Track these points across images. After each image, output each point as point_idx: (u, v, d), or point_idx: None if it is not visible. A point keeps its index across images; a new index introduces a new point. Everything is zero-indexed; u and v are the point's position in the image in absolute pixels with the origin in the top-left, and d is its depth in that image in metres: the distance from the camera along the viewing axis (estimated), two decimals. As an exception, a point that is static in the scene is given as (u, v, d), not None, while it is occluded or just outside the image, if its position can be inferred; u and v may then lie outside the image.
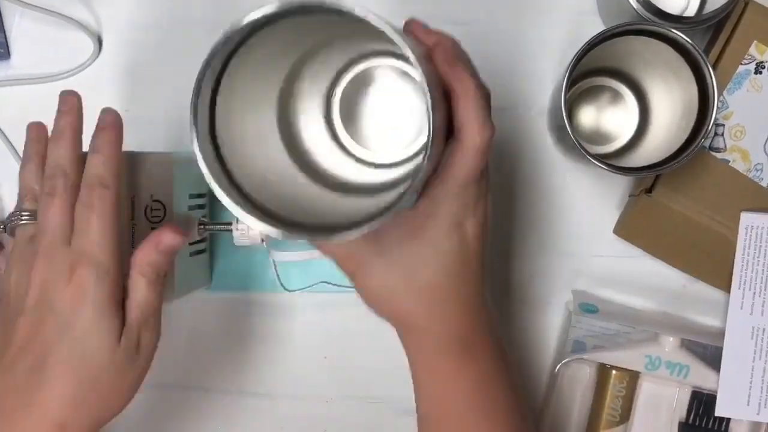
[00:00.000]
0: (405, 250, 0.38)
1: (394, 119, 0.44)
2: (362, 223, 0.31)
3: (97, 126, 0.42)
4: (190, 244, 0.53)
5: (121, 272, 0.40)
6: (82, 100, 0.60)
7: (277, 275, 0.51)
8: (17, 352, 0.39)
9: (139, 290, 0.40)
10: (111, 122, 0.43)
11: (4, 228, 0.43)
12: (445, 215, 0.38)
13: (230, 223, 0.51)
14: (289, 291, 0.52)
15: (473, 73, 0.37)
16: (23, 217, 0.42)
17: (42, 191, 0.41)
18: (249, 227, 0.50)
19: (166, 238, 0.41)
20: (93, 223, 0.38)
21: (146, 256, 0.40)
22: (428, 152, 0.32)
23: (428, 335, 0.40)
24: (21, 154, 0.59)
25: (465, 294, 0.40)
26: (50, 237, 0.39)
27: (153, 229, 0.48)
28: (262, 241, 0.51)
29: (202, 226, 0.51)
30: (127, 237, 0.46)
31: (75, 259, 0.38)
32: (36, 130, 0.45)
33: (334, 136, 0.44)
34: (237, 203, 0.32)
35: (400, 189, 0.34)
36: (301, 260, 0.51)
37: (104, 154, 0.41)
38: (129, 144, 0.59)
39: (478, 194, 0.39)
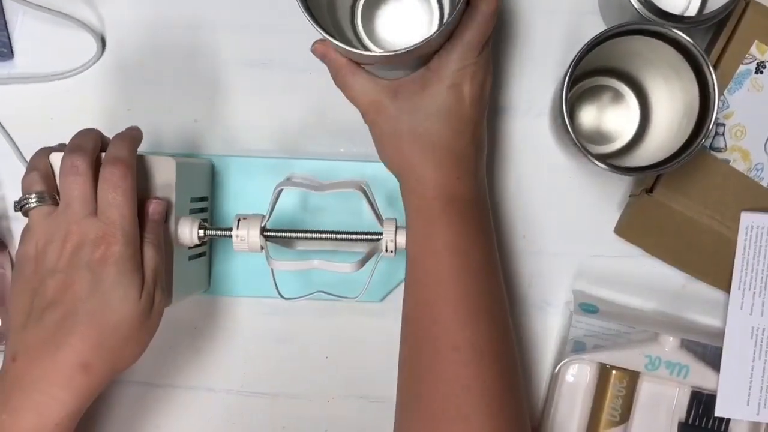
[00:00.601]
0: (415, 101, 0.47)
1: (405, 29, 0.55)
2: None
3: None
4: (190, 248, 0.53)
5: (139, 240, 0.46)
6: (85, 99, 0.60)
7: (275, 283, 0.51)
8: (47, 306, 0.44)
9: (148, 254, 0.47)
10: (130, 128, 0.51)
11: (20, 208, 0.48)
12: (448, 73, 0.46)
13: (230, 229, 0.51)
14: (286, 299, 0.52)
15: None
16: (32, 199, 0.47)
17: (63, 170, 0.46)
18: (248, 234, 0.50)
19: (153, 207, 0.48)
20: (119, 198, 0.45)
21: (148, 227, 0.47)
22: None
23: (420, 182, 0.48)
24: (23, 153, 0.60)
25: (458, 150, 0.47)
26: (78, 209, 0.45)
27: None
28: (262, 248, 0.50)
29: (202, 231, 0.51)
30: None
31: (105, 228, 0.45)
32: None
33: (361, 44, 0.55)
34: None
35: (441, 27, 0.43)
36: (299, 270, 0.51)
37: (125, 141, 0.48)
38: (131, 144, 0.59)
39: (478, 64, 0.47)
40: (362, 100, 0.48)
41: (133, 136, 0.49)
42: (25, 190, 0.47)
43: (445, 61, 0.46)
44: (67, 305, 0.44)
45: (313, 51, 0.48)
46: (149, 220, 0.48)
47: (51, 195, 0.47)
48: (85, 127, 0.50)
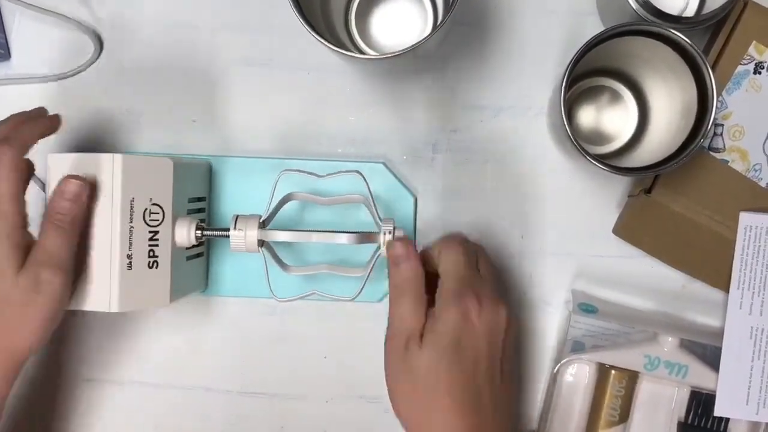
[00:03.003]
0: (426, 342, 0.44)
1: (399, 30, 0.57)
2: None
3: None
4: (188, 248, 0.53)
5: (21, 220, 0.45)
6: (83, 100, 0.60)
7: (269, 283, 0.51)
8: None
9: (47, 235, 0.45)
10: (39, 110, 0.51)
11: None
12: (444, 314, 0.45)
13: (227, 229, 0.50)
14: (280, 300, 0.52)
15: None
16: None
17: None
18: (246, 234, 0.50)
19: (69, 186, 0.46)
20: None
21: (55, 206, 0.46)
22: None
23: None
24: (21, 155, 0.59)
25: (473, 391, 0.43)
26: None
27: (151, 232, 0.49)
28: (259, 248, 0.50)
29: (199, 231, 0.51)
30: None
31: None
32: None
33: (354, 44, 0.56)
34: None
35: (436, 28, 0.45)
36: (296, 241, 0.51)
37: (14, 120, 0.48)
38: (129, 146, 0.60)
39: (477, 292, 0.44)
40: (404, 323, 0.45)
41: (33, 117, 0.49)
42: None
43: (439, 304, 0.45)
44: None
45: (390, 248, 0.47)
46: (60, 198, 0.46)
47: None
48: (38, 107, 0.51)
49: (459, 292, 0.44)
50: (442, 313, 0.44)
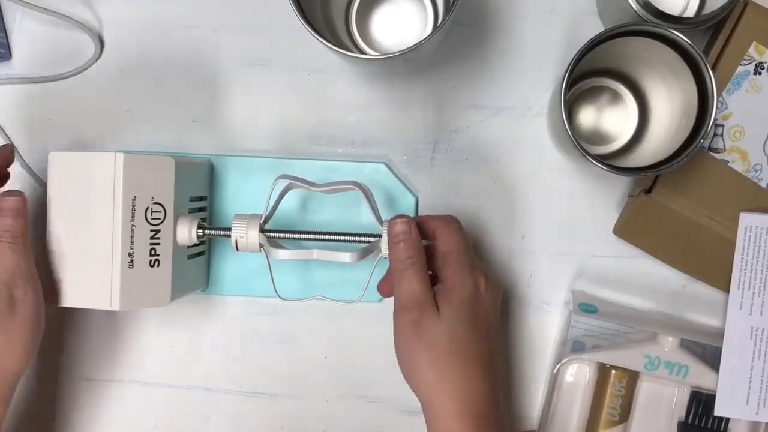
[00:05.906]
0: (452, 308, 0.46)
1: (399, 30, 0.57)
2: None
3: None
4: (189, 247, 0.53)
5: None
6: (84, 99, 0.60)
7: (273, 284, 0.51)
8: None
9: (3, 255, 0.46)
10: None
11: None
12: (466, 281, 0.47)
13: (229, 229, 0.51)
14: (283, 299, 0.52)
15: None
16: None
17: None
18: (247, 234, 0.50)
19: (7, 202, 0.47)
20: None
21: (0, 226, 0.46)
22: None
23: (450, 400, 0.45)
24: (22, 154, 0.60)
25: (485, 360, 0.46)
26: None
27: (152, 231, 0.49)
28: (260, 248, 0.50)
29: (201, 230, 0.51)
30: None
31: None
32: None
33: (355, 45, 0.57)
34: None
35: (436, 29, 0.46)
36: (298, 259, 0.51)
37: None
38: (130, 145, 0.60)
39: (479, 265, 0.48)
40: (414, 295, 0.46)
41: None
42: None
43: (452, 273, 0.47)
44: None
45: (394, 226, 0.48)
46: (6, 216, 0.47)
47: None
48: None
49: (470, 266, 0.47)
50: (457, 284, 0.46)
